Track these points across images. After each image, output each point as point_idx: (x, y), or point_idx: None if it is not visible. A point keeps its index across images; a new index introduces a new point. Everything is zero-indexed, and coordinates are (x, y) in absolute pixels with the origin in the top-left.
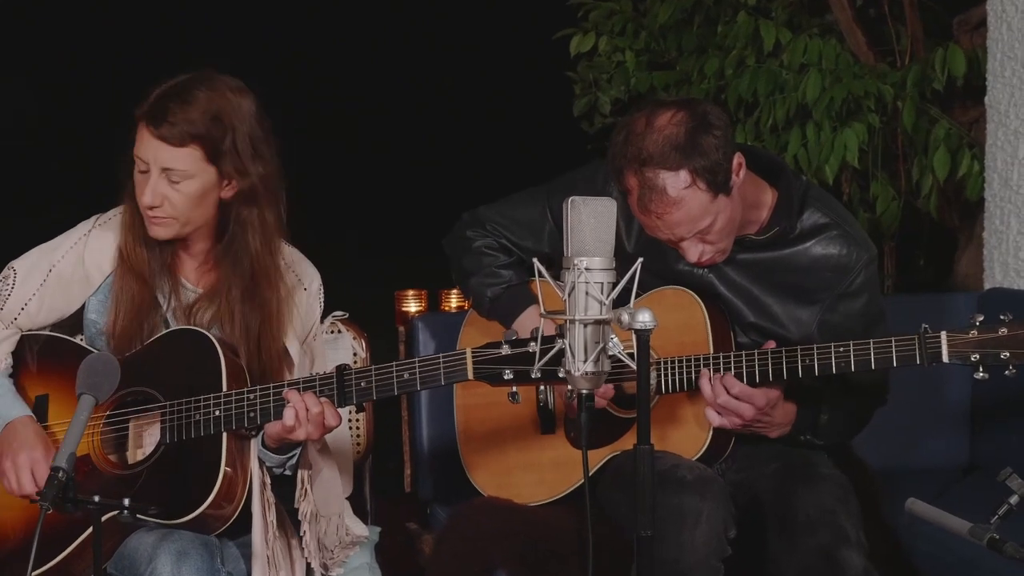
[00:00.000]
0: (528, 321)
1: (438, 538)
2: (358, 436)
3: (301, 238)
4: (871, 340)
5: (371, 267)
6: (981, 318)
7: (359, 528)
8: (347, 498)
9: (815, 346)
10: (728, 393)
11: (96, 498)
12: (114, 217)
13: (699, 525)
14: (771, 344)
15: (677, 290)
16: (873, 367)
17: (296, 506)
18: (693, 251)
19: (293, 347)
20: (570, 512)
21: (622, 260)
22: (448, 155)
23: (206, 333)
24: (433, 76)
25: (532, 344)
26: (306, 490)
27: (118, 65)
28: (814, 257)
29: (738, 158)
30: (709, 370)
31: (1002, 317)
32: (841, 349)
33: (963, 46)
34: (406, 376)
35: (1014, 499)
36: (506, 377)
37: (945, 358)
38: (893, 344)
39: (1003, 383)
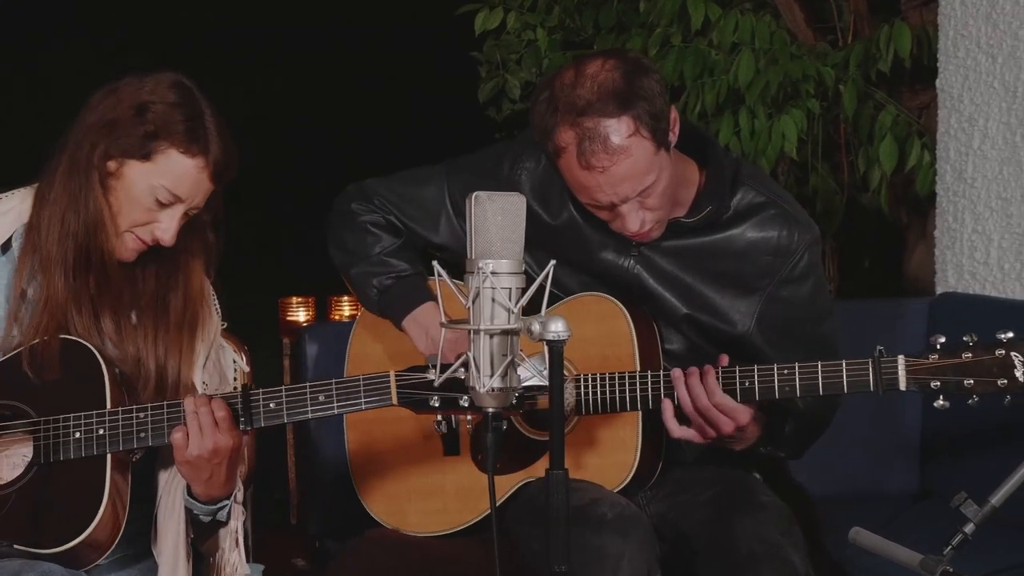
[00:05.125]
0: (424, 319)
1: None
2: None
3: None
4: (819, 363)
5: (250, 271)
6: (943, 340)
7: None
8: None
9: (755, 367)
10: (709, 400)
11: None
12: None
13: (620, 570)
14: (725, 359)
15: (599, 297)
16: (821, 392)
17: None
18: (634, 218)
19: (197, 364)
20: (476, 546)
21: (547, 235)
22: (339, 144)
23: (86, 344)
24: (315, 53)
25: (462, 371)
26: (237, 538)
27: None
28: (751, 240)
29: (673, 112)
30: (682, 372)
31: (965, 339)
32: (786, 372)
33: (911, 23)
34: (322, 398)
35: (969, 528)
36: (432, 404)
37: (902, 386)
38: (844, 368)
39: (958, 403)
